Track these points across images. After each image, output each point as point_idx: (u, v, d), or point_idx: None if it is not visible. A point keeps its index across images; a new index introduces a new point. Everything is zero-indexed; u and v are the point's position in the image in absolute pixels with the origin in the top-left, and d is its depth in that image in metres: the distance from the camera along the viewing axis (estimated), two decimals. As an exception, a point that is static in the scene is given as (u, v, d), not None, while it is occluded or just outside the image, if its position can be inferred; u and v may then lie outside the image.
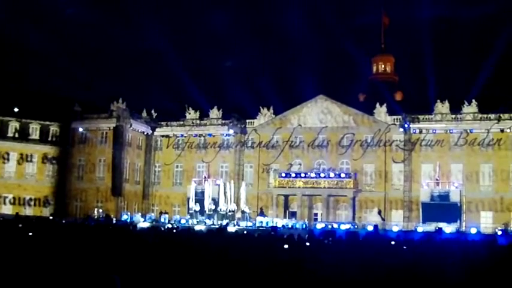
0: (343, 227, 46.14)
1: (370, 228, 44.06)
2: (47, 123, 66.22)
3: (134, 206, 64.28)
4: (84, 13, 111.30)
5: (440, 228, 42.20)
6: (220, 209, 50.16)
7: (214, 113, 65.71)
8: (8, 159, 63.81)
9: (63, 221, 43.25)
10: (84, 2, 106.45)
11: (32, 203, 63.57)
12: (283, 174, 59.17)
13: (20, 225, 26.72)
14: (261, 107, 64.98)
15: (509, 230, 47.82)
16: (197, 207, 51.45)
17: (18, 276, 8.89)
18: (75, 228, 27.05)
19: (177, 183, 66.35)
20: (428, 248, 17.38)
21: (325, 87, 67.73)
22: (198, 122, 65.93)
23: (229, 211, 49.95)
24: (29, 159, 64.62)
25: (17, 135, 64.79)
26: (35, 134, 65.70)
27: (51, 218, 50.34)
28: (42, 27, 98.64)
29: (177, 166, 66.81)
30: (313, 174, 58.31)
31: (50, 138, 66.27)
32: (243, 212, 50.23)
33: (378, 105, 61.21)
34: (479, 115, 56.90)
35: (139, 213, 56.30)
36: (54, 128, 66.42)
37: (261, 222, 47.88)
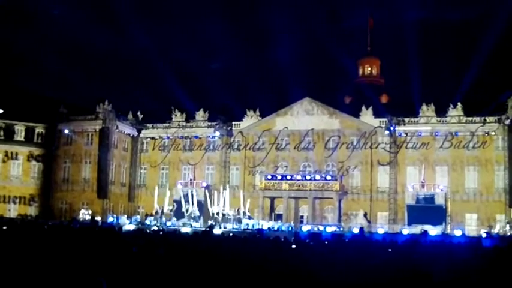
0: (329, 229, 46.11)
1: (355, 230, 44.13)
2: (32, 124, 65.74)
3: (120, 208, 63.96)
4: (71, 14, 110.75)
5: (425, 231, 42.41)
6: (206, 211, 50.06)
7: (201, 115, 65.56)
8: (-8, 160, 63.42)
9: (49, 223, 42.94)
10: (71, 3, 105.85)
11: (17, 200, 63.10)
12: (269, 177, 59.00)
13: (4, 228, 26.56)
14: (247, 109, 64.98)
15: (494, 232, 48.14)
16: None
17: (2, 280, 8.82)
18: (60, 230, 26.88)
19: (163, 185, 66.05)
20: (413, 251, 17.45)
21: (311, 90, 67.99)
22: (184, 124, 65.79)
23: (215, 213, 49.83)
24: (14, 159, 64.16)
25: (1, 136, 64.30)
26: (20, 135, 65.18)
27: (34, 219, 49.93)
28: (28, 27, 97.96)
29: (163, 168, 66.59)
30: (299, 177, 58.25)
31: (35, 140, 65.79)
32: (228, 214, 50.10)
33: (363, 107, 61.43)
34: (465, 118, 57.33)
35: (125, 216, 56.10)
36: (39, 130, 65.96)
37: (247, 224, 47.79)
